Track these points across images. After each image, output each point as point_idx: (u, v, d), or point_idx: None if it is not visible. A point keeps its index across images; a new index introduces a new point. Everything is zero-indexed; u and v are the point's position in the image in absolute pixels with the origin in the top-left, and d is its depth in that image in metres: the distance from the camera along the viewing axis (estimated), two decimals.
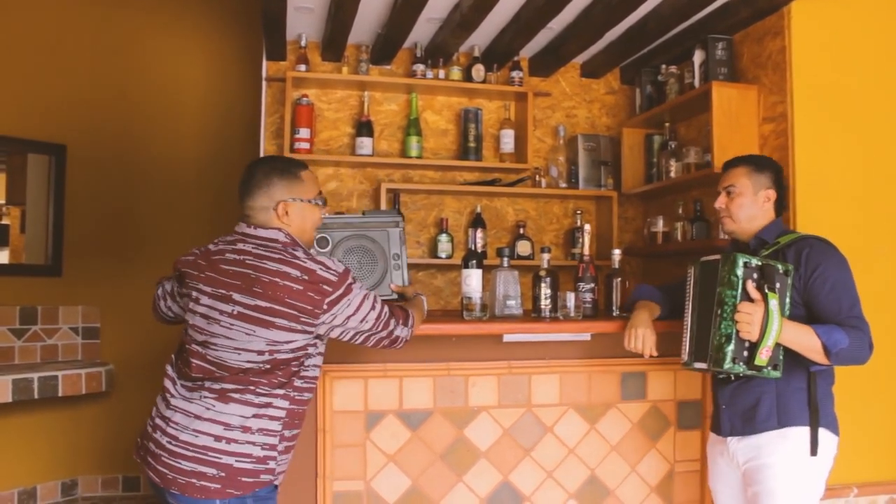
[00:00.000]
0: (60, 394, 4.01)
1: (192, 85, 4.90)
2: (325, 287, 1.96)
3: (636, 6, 3.49)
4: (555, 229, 4.55)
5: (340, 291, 1.99)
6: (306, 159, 4.05)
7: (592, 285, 2.93)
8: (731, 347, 2.12)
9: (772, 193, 2.34)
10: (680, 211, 4.07)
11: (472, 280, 2.83)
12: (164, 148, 4.80)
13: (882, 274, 3.16)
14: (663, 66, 4.08)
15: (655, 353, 2.46)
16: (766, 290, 2.09)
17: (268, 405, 1.96)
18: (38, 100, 4.49)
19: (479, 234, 4.23)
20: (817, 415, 2.18)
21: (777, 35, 3.37)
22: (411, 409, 2.65)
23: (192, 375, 2.00)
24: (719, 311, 2.16)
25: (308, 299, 1.94)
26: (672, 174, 3.99)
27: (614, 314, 2.99)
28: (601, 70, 4.52)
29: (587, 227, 3.15)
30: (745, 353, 2.12)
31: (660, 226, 4.17)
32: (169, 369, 2.10)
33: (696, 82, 3.74)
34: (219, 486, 1.90)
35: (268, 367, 1.96)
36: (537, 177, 4.38)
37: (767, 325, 2.05)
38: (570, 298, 2.80)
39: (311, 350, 2.04)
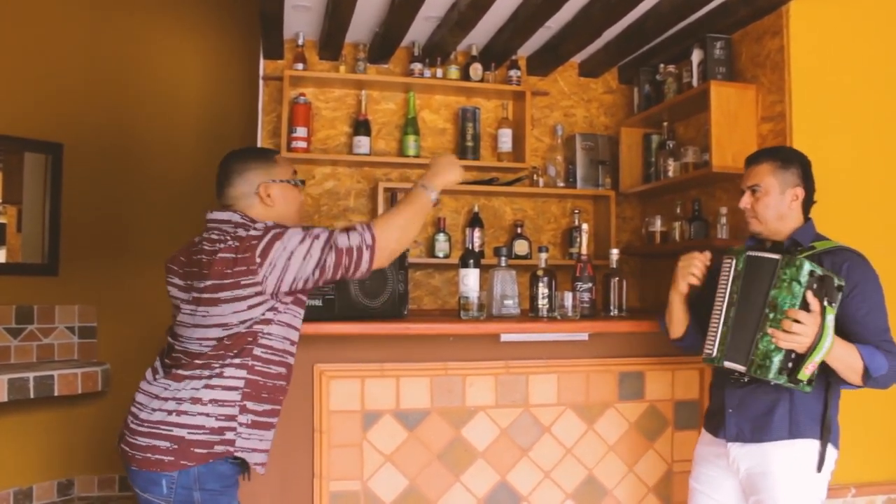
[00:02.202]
0: (56, 393, 4.00)
1: (189, 83, 4.89)
2: (251, 242, 1.94)
3: (635, 5, 3.48)
4: (552, 229, 4.54)
5: (269, 237, 1.94)
6: (304, 158, 4.05)
7: (590, 285, 2.93)
8: (779, 357, 2.01)
9: (800, 191, 2.22)
10: (678, 210, 4.06)
11: (470, 279, 2.83)
12: (161, 147, 4.79)
13: (882, 274, 3.16)
14: (661, 66, 4.07)
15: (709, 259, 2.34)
16: (826, 304, 1.98)
17: (218, 374, 1.96)
18: (35, 98, 4.47)
19: (477, 233, 4.22)
20: (829, 431, 2.12)
21: (776, 34, 3.36)
22: (408, 408, 2.65)
23: (165, 363, 2.08)
24: (771, 316, 2.03)
25: (242, 261, 1.92)
26: (670, 174, 3.98)
27: (612, 314, 2.99)
28: (599, 69, 4.51)
29: (585, 226, 3.15)
30: (790, 366, 2.01)
31: (658, 225, 4.16)
32: (156, 359, 2.15)
33: (695, 81, 3.74)
34: (172, 458, 1.93)
35: (224, 343, 1.97)
36: (535, 176, 4.37)
37: (820, 340, 1.96)
38: (568, 298, 2.79)
39: (269, 315, 1.99)
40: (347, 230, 1.99)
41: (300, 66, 4.07)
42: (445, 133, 4.42)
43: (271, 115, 4.20)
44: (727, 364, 2.16)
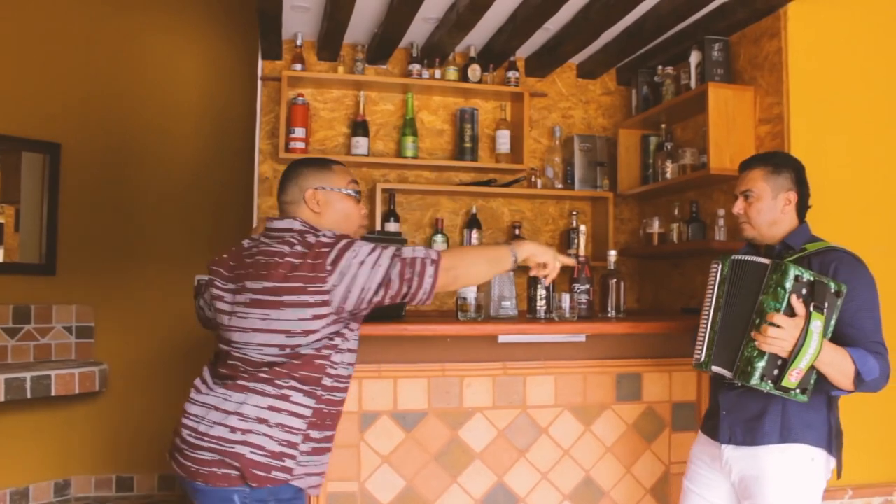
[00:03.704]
0: (53, 393, 3.99)
1: (188, 83, 4.89)
2: (322, 250, 1.91)
3: (633, 6, 3.48)
4: (550, 230, 4.54)
5: (340, 246, 1.92)
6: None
7: (588, 286, 2.93)
8: (762, 364, 1.99)
9: (793, 196, 2.22)
10: (676, 212, 4.06)
11: None
12: (159, 147, 4.79)
13: (879, 276, 3.16)
14: (660, 67, 4.08)
15: None
16: (812, 309, 1.95)
17: (285, 398, 1.92)
18: (33, 98, 4.47)
19: (475, 234, 4.22)
20: (837, 437, 2.11)
21: (774, 36, 3.37)
22: (406, 409, 2.64)
23: (219, 372, 2.01)
24: (757, 322, 2.02)
25: (309, 267, 1.89)
26: (668, 175, 3.98)
27: (609, 315, 2.99)
28: (598, 71, 4.51)
29: (583, 227, 3.15)
30: (776, 372, 1.99)
31: (655, 227, 4.16)
32: (203, 370, 2.09)
33: (693, 83, 3.74)
34: (238, 473, 1.88)
35: (291, 360, 1.93)
36: (533, 177, 4.37)
37: (804, 345, 1.93)
38: (566, 299, 2.80)
39: (337, 341, 1.98)
40: (414, 248, 2.00)
41: (298, 66, 4.07)
42: (444, 134, 4.42)
43: (269, 115, 4.20)
44: (714, 369, 2.18)
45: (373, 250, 1.94)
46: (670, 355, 2.85)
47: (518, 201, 4.49)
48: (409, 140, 4.21)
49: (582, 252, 3.01)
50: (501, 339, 2.70)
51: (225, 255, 2.12)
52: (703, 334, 2.21)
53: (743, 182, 2.28)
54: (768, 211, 2.23)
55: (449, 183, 4.38)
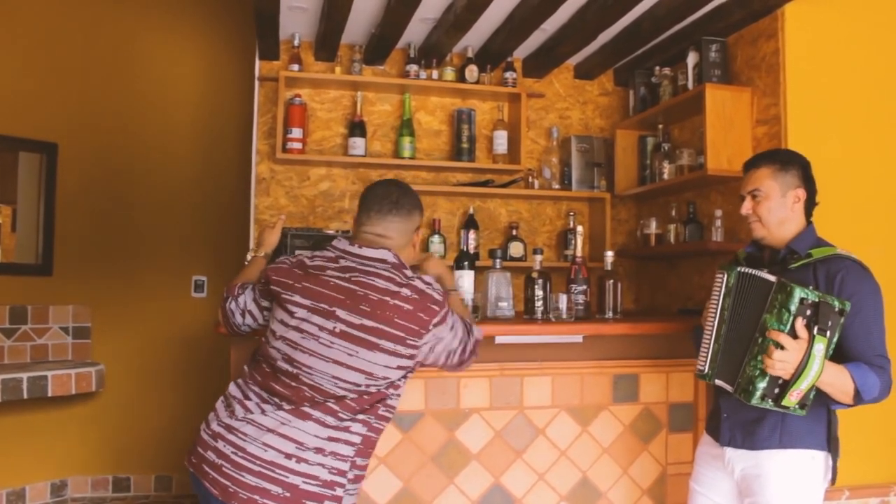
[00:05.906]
0: (50, 394, 3.98)
1: (185, 84, 4.88)
2: (432, 306, 1.92)
3: (630, 7, 3.48)
4: (547, 231, 4.54)
5: (444, 312, 1.97)
6: (299, 159, 4.05)
7: (585, 287, 2.93)
8: (763, 384, 1.99)
9: (801, 193, 2.20)
10: (673, 213, 4.07)
11: (465, 281, 2.82)
12: (156, 147, 4.78)
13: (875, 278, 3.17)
14: (657, 68, 4.08)
15: None
16: (816, 332, 1.92)
17: (345, 429, 1.89)
18: (30, 98, 4.46)
19: (472, 235, 4.22)
20: (835, 441, 2.11)
21: (771, 37, 3.37)
22: (403, 410, 2.64)
23: (275, 389, 1.92)
24: (760, 341, 2.01)
25: (416, 319, 1.89)
26: (665, 176, 3.98)
27: (607, 316, 2.99)
28: (595, 71, 4.52)
29: (580, 228, 3.15)
30: (777, 391, 1.99)
31: (653, 228, 4.16)
32: (241, 382, 2.01)
33: (690, 84, 3.74)
34: None
35: (361, 396, 1.90)
36: (530, 178, 4.37)
37: (806, 367, 1.92)
38: (563, 300, 2.80)
39: (402, 382, 1.99)
40: (465, 322, 2.13)
41: (296, 67, 4.07)
42: (441, 135, 4.42)
43: (267, 115, 4.19)
44: (717, 382, 2.18)
45: (458, 319, 2.08)
46: (667, 356, 2.85)
47: (515, 202, 4.49)
48: (406, 140, 4.20)
49: (579, 253, 3.01)
50: (498, 339, 2.70)
51: (285, 265, 2.01)
52: (706, 345, 2.20)
53: (749, 181, 2.24)
54: (778, 209, 2.19)
55: (446, 183, 4.38)
